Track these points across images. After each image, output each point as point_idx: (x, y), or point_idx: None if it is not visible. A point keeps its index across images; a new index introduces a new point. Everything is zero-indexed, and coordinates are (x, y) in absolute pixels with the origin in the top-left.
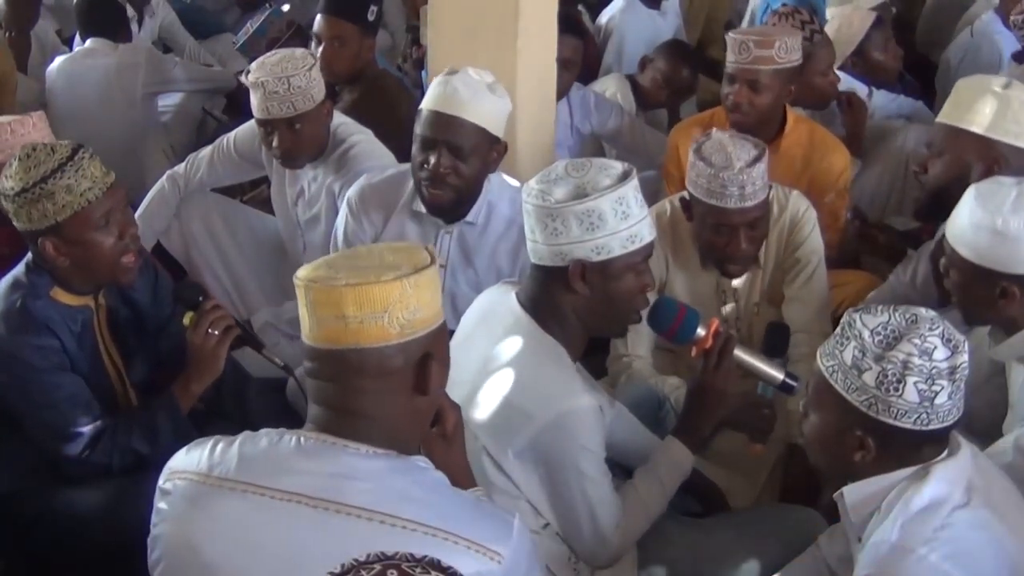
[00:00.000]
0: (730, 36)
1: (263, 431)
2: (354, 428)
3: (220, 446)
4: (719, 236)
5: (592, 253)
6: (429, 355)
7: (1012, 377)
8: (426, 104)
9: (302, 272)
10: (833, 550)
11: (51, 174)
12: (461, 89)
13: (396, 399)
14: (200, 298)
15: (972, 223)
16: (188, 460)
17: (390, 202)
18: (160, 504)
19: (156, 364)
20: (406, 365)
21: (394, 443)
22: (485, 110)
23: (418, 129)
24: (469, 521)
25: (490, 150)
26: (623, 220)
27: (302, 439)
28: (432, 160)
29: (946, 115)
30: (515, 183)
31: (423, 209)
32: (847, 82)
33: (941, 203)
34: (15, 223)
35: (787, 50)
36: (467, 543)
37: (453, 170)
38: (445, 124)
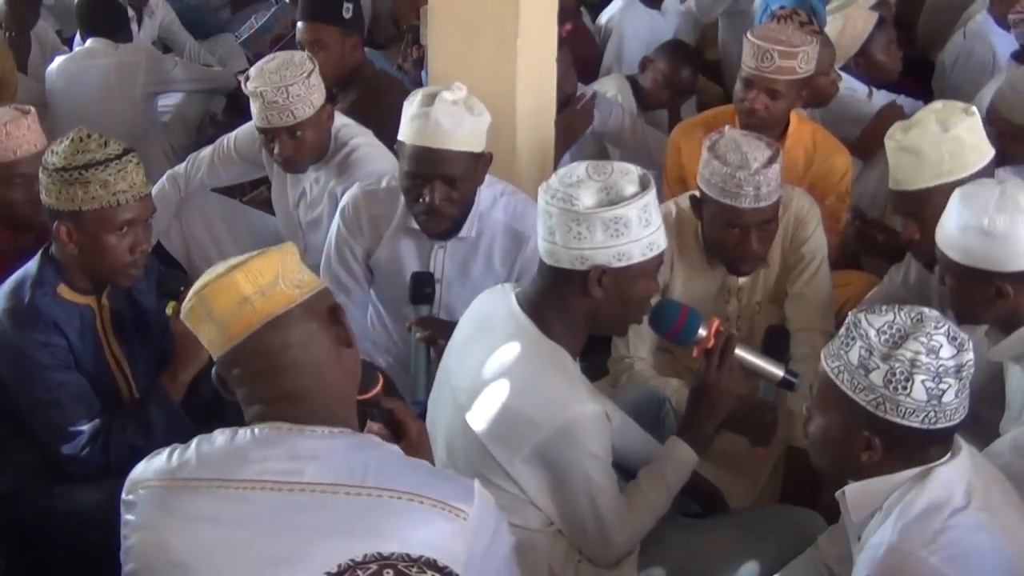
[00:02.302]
0: (751, 40)
1: (217, 431)
2: (298, 411)
3: (177, 451)
4: (730, 235)
5: (613, 259)
6: (337, 306)
7: (1007, 377)
8: (409, 139)
9: (188, 296)
10: (832, 550)
11: (94, 164)
12: (443, 120)
13: (325, 362)
14: (181, 287)
15: (960, 226)
16: (147, 469)
17: (385, 217)
18: (127, 516)
19: (161, 365)
20: (320, 324)
21: (338, 415)
22: (469, 134)
23: (405, 165)
24: (431, 483)
25: (478, 166)
26: (645, 228)
27: (256, 430)
28: (427, 196)
29: (907, 181)
30: (503, 184)
31: (417, 225)
32: (848, 82)
33: None
34: (43, 196)
35: (808, 60)
36: (432, 502)
37: (449, 200)
38: (435, 159)
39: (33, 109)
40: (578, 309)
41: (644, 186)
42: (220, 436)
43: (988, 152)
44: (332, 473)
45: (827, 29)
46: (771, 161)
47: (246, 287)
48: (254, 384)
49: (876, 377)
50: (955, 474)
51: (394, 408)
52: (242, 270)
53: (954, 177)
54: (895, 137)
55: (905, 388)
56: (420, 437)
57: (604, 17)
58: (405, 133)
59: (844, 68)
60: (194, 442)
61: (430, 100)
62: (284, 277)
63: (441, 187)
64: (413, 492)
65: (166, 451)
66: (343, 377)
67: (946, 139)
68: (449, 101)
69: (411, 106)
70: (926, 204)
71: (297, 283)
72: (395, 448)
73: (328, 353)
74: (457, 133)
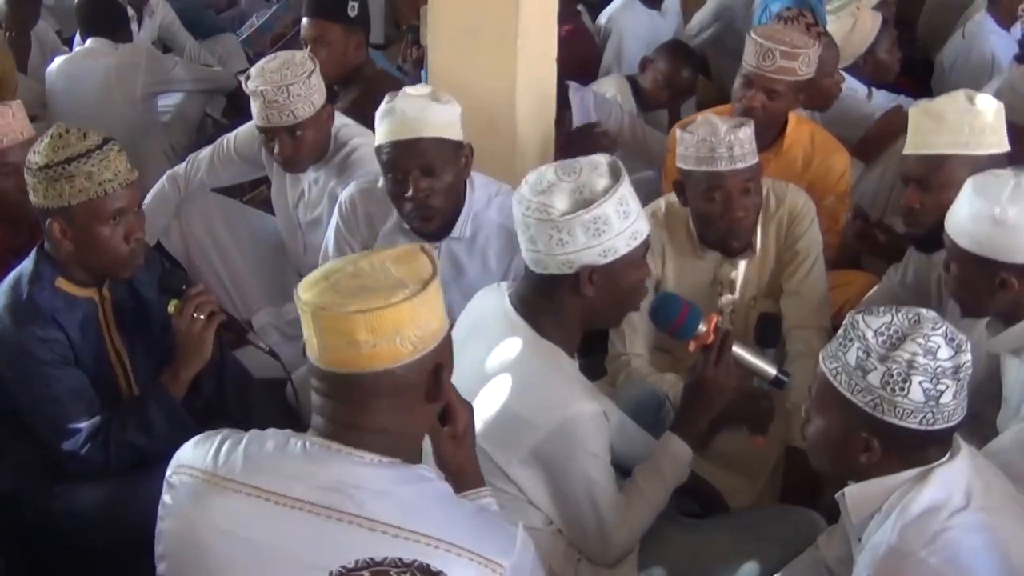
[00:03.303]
0: (753, 38)
1: (269, 432)
2: (361, 440)
3: (227, 444)
4: (714, 205)
5: (600, 257)
6: (441, 366)
7: (1005, 370)
8: (380, 139)
9: (307, 296)
10: (832, 551)
11: (76, 157)
12: (407, 110)
13: (408, 411)
14: (184, 285)
15: (971, 213)
16: (195, 455)
17: (380, 215)
18: (166, 497)
19: (161, 358)
20: (419, 379)
21: (400, 450)
22: (437, 120)
23: (383, 160)
24: (472, 533)
25: (458, 157)
26: (625, 219)
27: (307, 444)
28: (409, 189)
29: (922, 145)
30: (498, 184)
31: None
32: (848, 82)
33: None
34: (31, 196)
35: (809, 63)
36: (470, 555)
37: (431, 190)
38: (408, 149)
39: (19, 100)
40: (572, 309)
41: (616, 176)
42: (271, 441)
43: (1004, 143)
44: (373, 507)
45: (836, 29)
46: (741, 125)
47: (362, 332)
48: (328, 401)
49: (873, 378)
50: (955, 474)
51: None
52: (366, 317)
53: (969, 151)
54: (921, 104)
55: (902, 389)
56: (467, 427)
57: (604, 17)
58: (377, 136)
59: (850, 68)
60: (245, 439)
61: (393, 97)
62: (404, 334)
63: (420, 178)
64: (452, 543)
65: (216, 439)
66: (416, 425)
67: (971, 110)
68: (412, 94)
69: (379, 111)
70: (935, 172)
71: (415, 341)
72: (444, 486)
73: (412, 404)
74: (423, 120)
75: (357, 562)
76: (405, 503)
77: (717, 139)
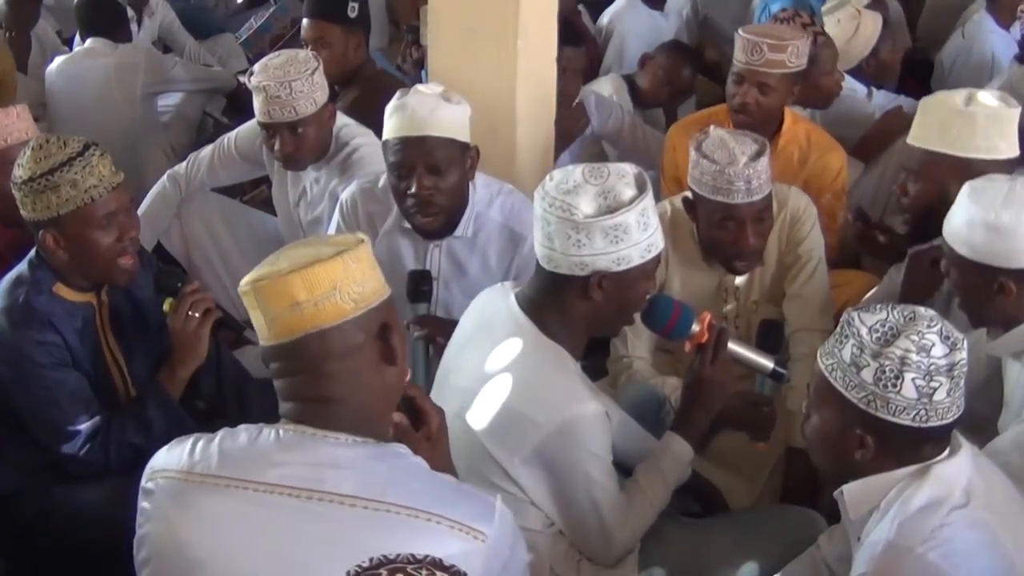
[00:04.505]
0: (741, 35)
1: (242, 427)
2: (329, 417)
3: (200, 443)
4: (727, 232)
5: (613, 264)
6: (388, 324)
7: (1006, 374)
8: (389, 133)
9: (246, 278)
10: (833, 550)
11: (59, 167)
12: (418, 108)
13: (365, 376)
14: (179, 284)
15: (967, 220)
16: (169, 459)
17: (380, 214)
18: (143, 504)
19: (158, 361)
20: (368, 338)
21: (369, 426)
22: (447, 120)
23: (390, 157)
24: (451, 502)
25: (464, 158)
26: (644, 231)
27: (280, 432)
28: (413, 186)
29: (917, 138)
30: (500, 184)
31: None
32: (848, 82)
33: (930, 224)
34: (21, 211)
35: (798, 54)
36: (450, 523)
37: (436, 189)
38: (416, 146)
39: (24, 103)
40: (578, 311)
41: (641, 188)
42: (244, 434)
43: (998, 150)
44: (351, 484)
45: (839, 33)
46: (759, 154)
47: (300, 292)
48: (290, 381)
49: (867, 375)
50: (955, 471)
51: (416, 396)
52: (301, 274)
53: (955, 152)
54: (930, 96)
55: (895, 386)
56: (440, 429)
57: (605, 18)
58: (386, 130)
59: (855, 69)
60: (218, 436)
61: (404, 94)
62: (342, 289)
63: (426, 176)
64: (431, 512)
65: (189, 441)
66: (380, 392)
67: (962, 112)
68: (424, 92)
69: (389, 106)
70: (926, 166)
71: (355, 297)
72: (419, 460)
73: (369, 367)
74: (433, 119)
75: (372, 560)
76: (383, 478)
77: (735, 172)
